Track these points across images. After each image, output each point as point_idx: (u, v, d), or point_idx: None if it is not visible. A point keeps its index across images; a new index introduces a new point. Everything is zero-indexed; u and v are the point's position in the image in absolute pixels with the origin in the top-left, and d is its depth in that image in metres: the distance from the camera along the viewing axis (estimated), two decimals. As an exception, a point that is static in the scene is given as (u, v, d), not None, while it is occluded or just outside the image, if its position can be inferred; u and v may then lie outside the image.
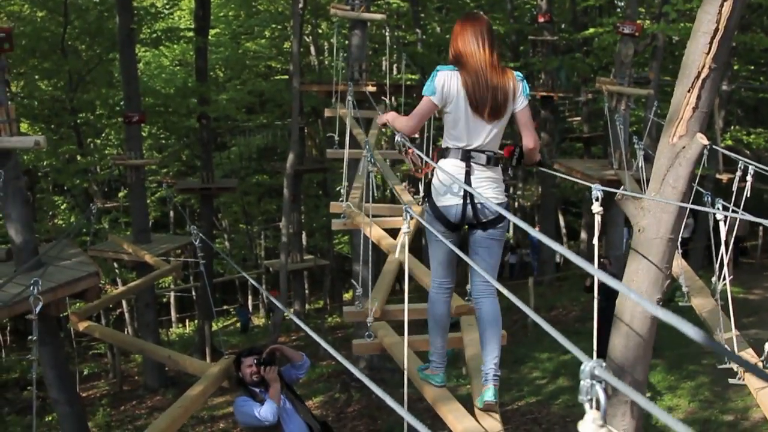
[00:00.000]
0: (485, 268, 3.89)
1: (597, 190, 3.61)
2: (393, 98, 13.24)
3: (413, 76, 22.82)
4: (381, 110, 12.91)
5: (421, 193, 6.19)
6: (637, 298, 1.45)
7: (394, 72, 21.34)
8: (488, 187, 3.88)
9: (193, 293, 28.18)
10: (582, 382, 1.39)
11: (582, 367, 1.40)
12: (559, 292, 20.87)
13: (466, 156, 3.87)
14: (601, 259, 12.40)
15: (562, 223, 30.01)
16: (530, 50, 28.08)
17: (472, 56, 3.88)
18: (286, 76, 23.82)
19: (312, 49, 27.35)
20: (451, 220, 3.93)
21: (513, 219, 2.44)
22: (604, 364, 1.40)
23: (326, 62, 26.32)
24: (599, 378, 1.38)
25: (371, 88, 13.68)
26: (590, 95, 24.46)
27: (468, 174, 3.86)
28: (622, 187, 4.61)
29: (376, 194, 5.62)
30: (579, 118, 27.00)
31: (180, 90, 21.69)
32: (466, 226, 4.03)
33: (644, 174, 8.38)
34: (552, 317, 17.86)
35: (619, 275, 4.92)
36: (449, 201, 3.90)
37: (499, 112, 3.88)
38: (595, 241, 3.65)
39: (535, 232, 2.23)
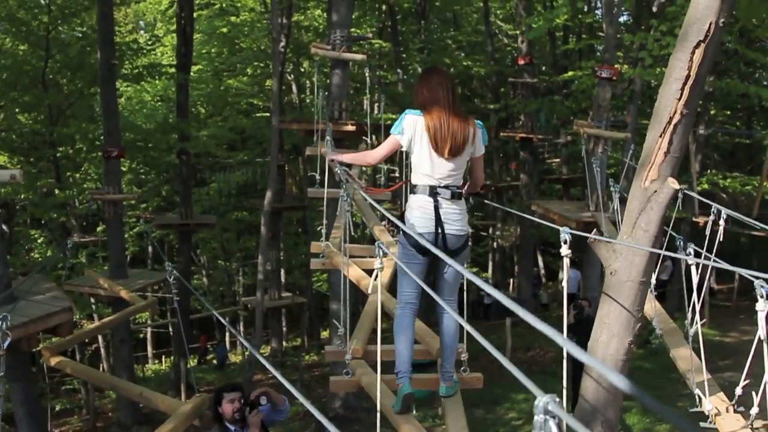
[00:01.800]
0: (448, 290, 4.48)
1: (565, 233, 3.66)
2: (373, 137, 13.32)
3: (393, 116, 22.99)
4: (362, 148, 12.99)
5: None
6: (598, 365, 1.47)
7: (375, 111, 21.50)
8: (455, 219, 4.37)
9: (170, 329, 27.91)
10: (536, 417, 1.39)
11: (536, 402, 1.40)
12: (536, 333, 20.81)
13: (433, 192, 4.35)
14: (580, 300, 12.44)
15: (541, 263, 30.13)
16: (510, 92, 28.48)
17: (437, 102, 4.36)
18: (267, 114, 23.90)
19: (293, 87, 27.53)
20: (422, 247, 4.33)
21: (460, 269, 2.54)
22: (557, 399, 1.41)
23: (307, 100, 26.49)
24: (552, 413, 1.39)
25: (351, 128, 13.77)
26: (569, 137, 24.71)
27: (437, 208, 4.33)
28: (593, 231, 4.66)
29: (355, 234, 5.68)
30: (558, 160, 27.25)
31: (161, 125, 21.71)
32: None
33: (620, 216, 8.47)
34: (529, 358, 17.84)
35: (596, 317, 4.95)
36: (422, 230, 4.33)
37: (457, 152, 4.34)
38: (564, 284, 3.68)
39: (474, 277, 2.26)
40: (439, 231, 4.34)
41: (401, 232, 4.46)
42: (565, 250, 3.69)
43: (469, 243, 4.58)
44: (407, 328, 4.50)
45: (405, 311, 4.51)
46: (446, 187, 4.35)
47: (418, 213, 4.36)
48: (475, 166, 4.61)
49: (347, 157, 5.06)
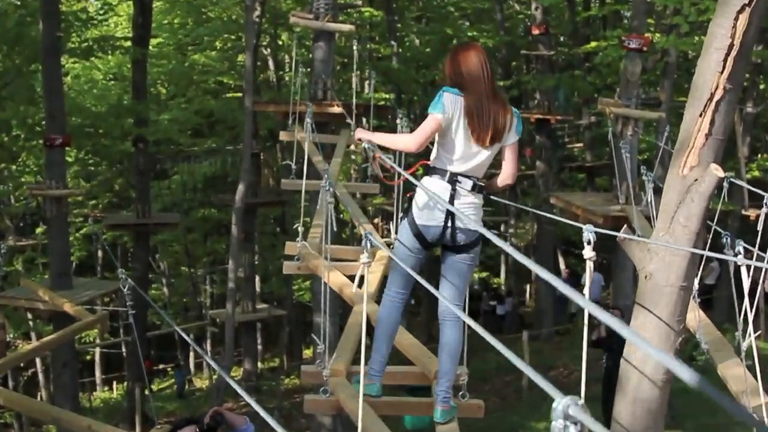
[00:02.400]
0: (452, 290, 4.66)
1: (589, 233, 3.58)
2: (364, 120, 13.24)
3: (387, 95, 22.92)
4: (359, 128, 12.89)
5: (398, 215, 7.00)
6: (651, 349, 1.37)
7: (366, 90, 21.43)
8: (470, 213, 4.51)
9: (123, 349, 27.79)
10: (554, 423, 1.39)
11: (554, 405, 1.41)
12: (558, 348, 20.83)
13: (453, 179, 4.52)
14: (611, 309, 12.38)
15: (562, 266, 30.14)
16: (523, 67, 28.47)
17: (477, 82, 4.52)
18: (239, 94, 23.82)
19: (270, 63, 27.44)
20: (428, 239, 4.59)
21: (501, 243, 2.84)
22: (580, 402, 1.39)
23: (286, 78, 26.39)
24: (574, 418, 1.37)
25: (336, 109, 13.68)
26: (593, 118, 24.70)
27: (452, 197, 4.50)
28: (623, 227, 4.59)
29: (343, 234, 5.62)
30: (581, 145, 27.25)
31: (113, 108, 21.61)
32: (440, 247, 4.70)
33: (654, 210, 8.40)
34: (550, 378, 17.77)
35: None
36: (430, 221, 4.53)
37: (496, 140, 4.54)
38: (586, 291, 3.59)
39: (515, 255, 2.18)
40: (449, 225, 4.50)
41: (406, 219, 4.66)
42: (588, 252, 3.61)
43: (480, 242, 4.67)
44: (391, 323, 4.69)
45: (394, 302, 4.70)
46: (469, 176, 4.52)
47: (431, 200, 4.49)
48: (510, 156, 4.69)
49: (378, 137, 4.99)
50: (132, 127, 19.80)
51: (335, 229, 5.72)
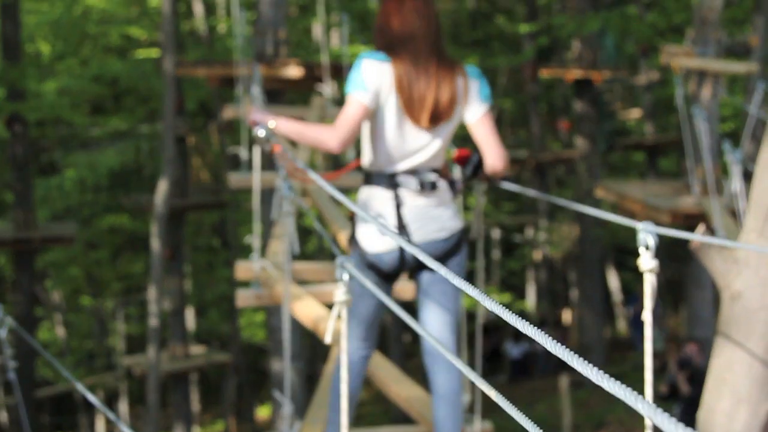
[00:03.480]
0: (439, 319, 4.64)
1: (647, 233, 3.61)
2: (334, 84, 13.31)
3: (363, 47, 22.95)
4: (318, 104, 12.94)
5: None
6: None
7: (335, 42, 21.46)
8: (431, 218, 4.52)
9: (4, 416, 27.75)
10: None
11: None
12: (611, 398, 20.87)
13: (392, 183, 4.51)
14: (685, 350, 12.44)
15: (614, 283, 30.21)
16: (556, 5, 28.52)
17: (411, 40, 4.47)
18: (156, 52, 23.80)
19: (197, 7, 27.41)
20: (385, 269, 4.59)
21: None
22: None
23: (221, 29, 26.40)
24: None
25: (295, 71, 13.74)
26: (655, 75, 24.76)
27: (398, 208, 4.49)
28: (700, 227, 4.64)
29: (307, 246, 5.59)
30: (637, 113, 27.29)
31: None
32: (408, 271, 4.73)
33: (743, 203, 8.47)
34: (602, 440, 17.90)
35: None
36: (380, 246, 4.51)
37: (440, 117, 4.49)
38: (647, 315, 3.63)
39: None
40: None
41: (354, 250, 4.64)
42: (647, 261, 3.64)
43: (464, 246, 4.69)
44: (351, 386, 4.60)
45: (352, 357, 4.64)
46: (413, 172, 4.50)
47: (373, 215, 4.50)
48: (483, 134, 4.63)
49: (287, 125, 4.68)
50: (3, 102, 19.72)
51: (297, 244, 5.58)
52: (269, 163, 7.92)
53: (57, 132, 27.31)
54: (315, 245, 23.11)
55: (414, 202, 4.48)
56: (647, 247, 3.60)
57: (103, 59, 26.61)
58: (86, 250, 28.37)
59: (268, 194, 12.16)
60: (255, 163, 7.53)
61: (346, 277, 3.52)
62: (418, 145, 4.49)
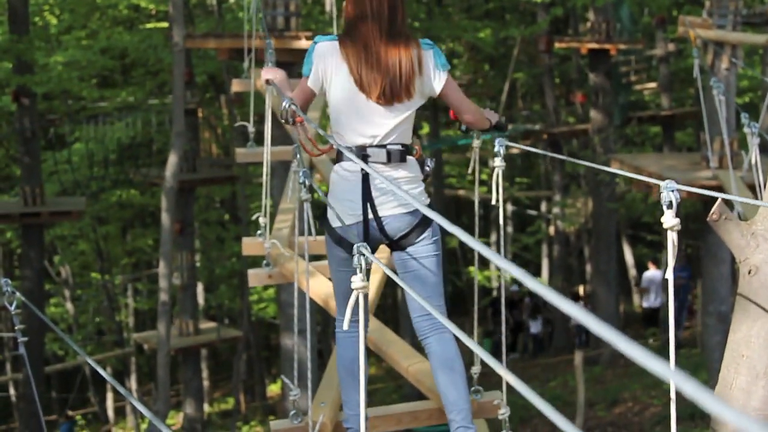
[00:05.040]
0: (424, 288, 4.78)
1: (668, 190, 3.58)
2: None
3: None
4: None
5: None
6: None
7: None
8: (393, 195, 4.68)
9: (12, 391, 27.83)
10: None
11: None
12: (626, 374, 20.86)
13: (361, 156, 4.65)
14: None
15: (629, 258, 30.15)
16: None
17: (363, 22, 4.69)
18: (165, 24, 23.75)
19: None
20: (354, 242, 4.35)
21: (454, 229, 2.58)
22: None
23: (230, 1, 26.34)
24: None
25: (305, 43, 13.67)
26: (671, 47, 24.65)
27: (365, 180, 4.68)
28: (717, 202, 4.60)
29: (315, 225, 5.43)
30: (653, 85, 27.18)
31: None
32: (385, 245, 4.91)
33: (761, 177, 8.41)
34: (616, 417, 17.86)
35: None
36: (347, 220, 4.70)
37: (397, 95, 4.69)
38: (669, 274, 3.59)
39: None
40: (372, 216, 4.73)
41: (325, 227, 4.89)
42: (670, 219, 3.61)
43: (432, 223, 4.79)
44: (354, 362, 4.67)
45: (348, 335, 4.85)
46: (381, 146, 4.72)
47: (341, 190, 4.77)
48: (454, 98, 4.95)
49: (279, 75, 5.40)
50: (10, 74, 19.68)
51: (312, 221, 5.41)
52: (279, 135, 7.82)
53: (65, 105, 27.31)
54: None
55: (382, 174, 4.57)
56: (669, 206, 3.59)
57: (111, 32, 26.58)
58: (95, 225, 28.40)
59: (278, 168, 12.11)
60: (266, 137, 7.42)
61: (363, 263, 3.58)
62: (380, 121, 4.70)
